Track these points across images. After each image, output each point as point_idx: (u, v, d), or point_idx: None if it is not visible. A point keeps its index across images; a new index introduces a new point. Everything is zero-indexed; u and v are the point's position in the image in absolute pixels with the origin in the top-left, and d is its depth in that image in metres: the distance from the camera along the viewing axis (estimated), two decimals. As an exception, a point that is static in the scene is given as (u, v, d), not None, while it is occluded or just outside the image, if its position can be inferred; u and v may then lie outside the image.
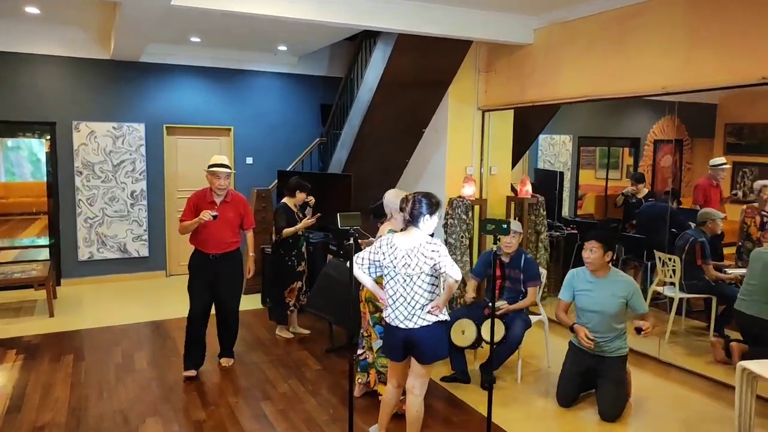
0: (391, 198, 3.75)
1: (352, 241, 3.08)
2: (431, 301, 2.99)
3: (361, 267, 3.12)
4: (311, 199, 5.34)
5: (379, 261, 3.07)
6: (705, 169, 9.93)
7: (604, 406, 3.75)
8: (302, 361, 4.74)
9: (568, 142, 9.01)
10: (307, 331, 5.43)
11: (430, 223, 2.99)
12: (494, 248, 3.19)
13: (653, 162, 9.57)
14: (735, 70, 3.91)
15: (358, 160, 6.61)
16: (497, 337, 3.89)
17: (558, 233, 6.82)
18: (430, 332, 3.02)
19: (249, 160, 7.95)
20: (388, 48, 5.64)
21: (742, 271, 4.84)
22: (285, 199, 5.21)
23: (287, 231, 5.05)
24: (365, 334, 3.99)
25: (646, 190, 7.26)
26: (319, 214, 5.19)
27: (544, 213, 6.30)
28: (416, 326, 3.00)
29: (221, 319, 4.59)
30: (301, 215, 5.20)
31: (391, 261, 3.01)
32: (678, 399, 4.13)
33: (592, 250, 3.73)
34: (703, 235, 5.14)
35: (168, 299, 6.57)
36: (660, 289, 5.43)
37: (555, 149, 8.78)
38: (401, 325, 3.01)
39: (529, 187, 6.34)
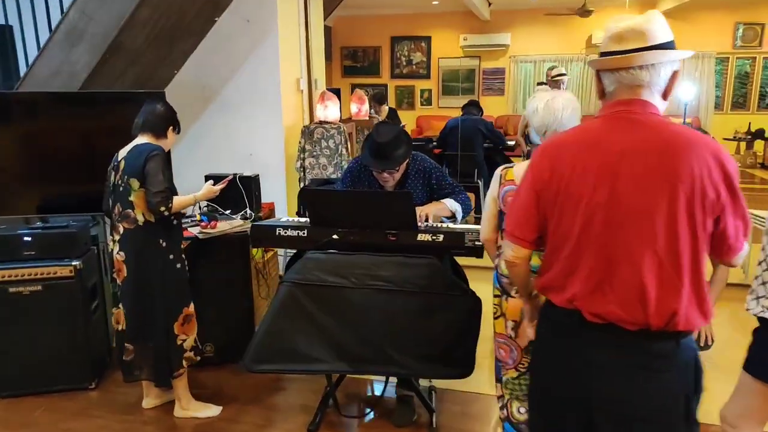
0: (553, 104, 1.94)
1: None
2: None
3: None
4: None
5: None
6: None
7: None
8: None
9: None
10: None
11: None
12: None
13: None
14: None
15: (115, 71, 3.47)
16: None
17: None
18: None
19: None
20: None
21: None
22: (159, 142, 2.43)
23: (182, 201, 2.35)
24: (513, 370, 2.05)
25: (387, 110, 6.34)
26: (230, 177, 2.61)
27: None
28: None
29: None
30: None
31: None
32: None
33: None
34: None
35: None
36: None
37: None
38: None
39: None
